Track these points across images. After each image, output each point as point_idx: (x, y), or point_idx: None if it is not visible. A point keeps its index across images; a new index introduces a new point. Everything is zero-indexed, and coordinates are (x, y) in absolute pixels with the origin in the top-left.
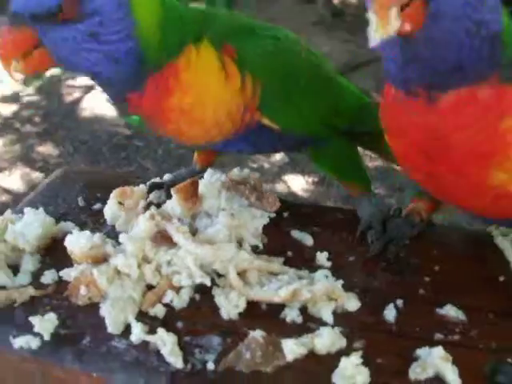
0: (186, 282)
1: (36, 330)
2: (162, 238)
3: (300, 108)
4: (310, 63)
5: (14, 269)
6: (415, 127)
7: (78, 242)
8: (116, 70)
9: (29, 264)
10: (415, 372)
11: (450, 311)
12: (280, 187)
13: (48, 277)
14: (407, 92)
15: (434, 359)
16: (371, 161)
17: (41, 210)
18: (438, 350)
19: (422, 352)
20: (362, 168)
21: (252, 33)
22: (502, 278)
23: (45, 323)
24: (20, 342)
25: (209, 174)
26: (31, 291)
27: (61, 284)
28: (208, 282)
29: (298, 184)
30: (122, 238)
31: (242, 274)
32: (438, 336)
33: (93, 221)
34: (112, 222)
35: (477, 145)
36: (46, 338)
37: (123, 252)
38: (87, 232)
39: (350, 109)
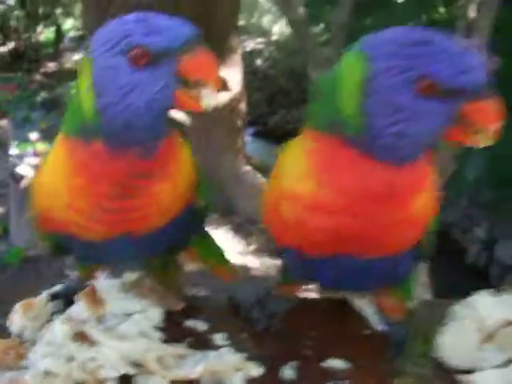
0: (112, 374)
1: None
2: (82, 338)
3: None
4: None
5: None
6: None
7: None
8: None
9: None
10: None
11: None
12: None
13: None
14: None
15: None
16: None
17: None
18: None
19: None
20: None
21: None
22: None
23: None
24: None
25: (103, 279)
26: None
27: None
28: (132, 371)
29: None
30: (44, 342)
31: (158, 361)
32: None
33: None
34: (19, 332)
35: None
36: None
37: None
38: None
39: None
